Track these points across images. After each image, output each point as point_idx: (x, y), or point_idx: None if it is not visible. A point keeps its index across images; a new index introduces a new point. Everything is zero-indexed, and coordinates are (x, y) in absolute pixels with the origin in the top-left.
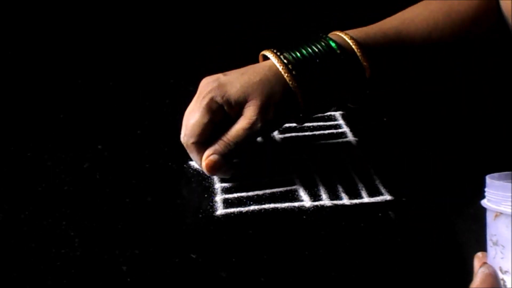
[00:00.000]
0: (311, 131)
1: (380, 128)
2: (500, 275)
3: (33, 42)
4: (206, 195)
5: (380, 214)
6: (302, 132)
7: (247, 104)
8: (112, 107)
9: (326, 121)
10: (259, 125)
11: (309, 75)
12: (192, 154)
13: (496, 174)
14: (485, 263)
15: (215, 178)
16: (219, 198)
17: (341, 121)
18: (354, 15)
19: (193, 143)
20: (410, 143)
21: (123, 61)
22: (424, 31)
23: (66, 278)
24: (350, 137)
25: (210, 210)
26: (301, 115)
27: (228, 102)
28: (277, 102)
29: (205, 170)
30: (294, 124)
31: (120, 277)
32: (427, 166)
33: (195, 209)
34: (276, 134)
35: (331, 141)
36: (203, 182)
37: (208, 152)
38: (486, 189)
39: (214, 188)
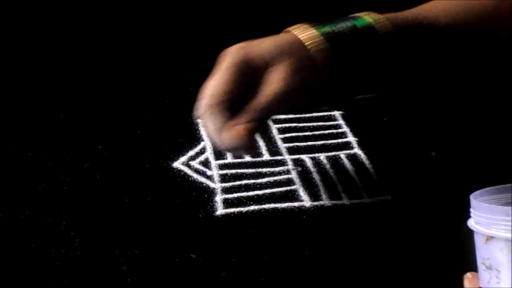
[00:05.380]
0: (311, 131)
1: (380, 128)
2: None
3: (33, 42)
4: (206, 195)
5: (380, 214)
6: (302, 132)
7: (274, 68)
8: (112, 107)
9: (326, 121)
10: (292, 87)
11: (343, 49)
12: (211, 120)
13: (478, 192)
14: None
15: (215, 178)
16: (219, 198)
17: (341, 121)
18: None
19: (214, 104)
20: (410, 143)
21: (123, 61)
22: (443, 21)
23: (66, 278)
24: (350, 137)
25: (210, 210)
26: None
27: (256, 58)
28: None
29: (231, 141)
30: (294, 124)
31: (120, 277)
32: (427, 166)
33: (195, 209)
34: (276, 134)
35: (331, 141)
36: (203, 182)
37: (239, 119)
38: (472, 211)
39: (214, 188)
